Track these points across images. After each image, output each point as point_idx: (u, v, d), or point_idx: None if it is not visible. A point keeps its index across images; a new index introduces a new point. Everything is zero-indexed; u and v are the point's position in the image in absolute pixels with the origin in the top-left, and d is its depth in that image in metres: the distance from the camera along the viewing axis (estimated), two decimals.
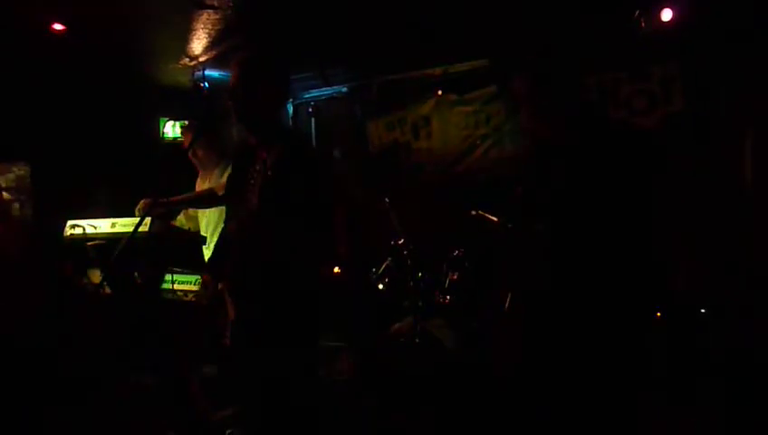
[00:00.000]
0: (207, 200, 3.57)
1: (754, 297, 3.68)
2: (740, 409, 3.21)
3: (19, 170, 5.32)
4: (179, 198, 3.44)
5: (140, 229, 3.03)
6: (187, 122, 4.80)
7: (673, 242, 3.97)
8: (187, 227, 3.87)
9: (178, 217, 3.93)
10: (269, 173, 2.49)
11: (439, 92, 5.26)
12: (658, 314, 3.66)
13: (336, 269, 4.85)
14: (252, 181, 2.57)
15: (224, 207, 2.92)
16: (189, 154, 3.87)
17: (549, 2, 4.08)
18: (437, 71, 5.20)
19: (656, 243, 3.84)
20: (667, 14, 3.99)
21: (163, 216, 3.24)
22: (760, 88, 3.85)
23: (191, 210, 3.94)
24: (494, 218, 3.90)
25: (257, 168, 2.58)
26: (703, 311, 3.64)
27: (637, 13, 4.09)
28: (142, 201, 3.27)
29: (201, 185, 3.90)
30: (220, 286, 2.90)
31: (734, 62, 3.93)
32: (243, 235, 2.61)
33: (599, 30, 4.28)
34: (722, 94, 3.99)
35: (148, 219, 3.05)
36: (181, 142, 5.38)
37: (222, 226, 2.91)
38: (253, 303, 2.59)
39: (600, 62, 4.43)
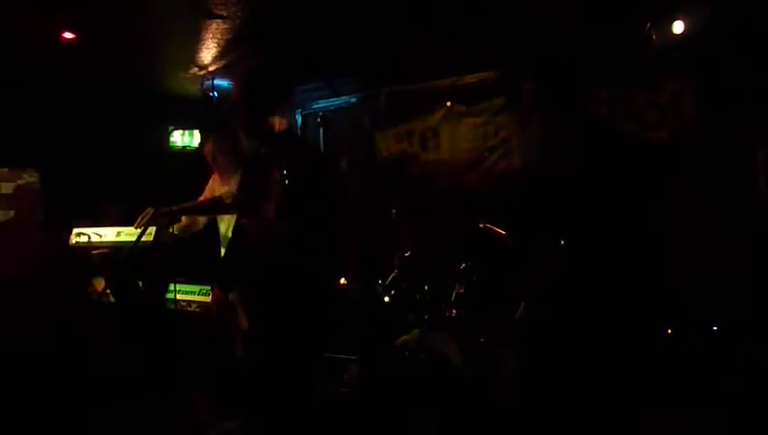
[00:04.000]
0: (214, 208, 3.54)
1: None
2: (752, 426, 3.15)
3: (29, 177, 5.34)
4: (184, 205, 3.42)
5: (145, 238, 3.04)
6: (199, 130, 4.82)
7: (685, 256, 3.92)
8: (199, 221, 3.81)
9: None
10: (286, 183, 2.49)
11: (448, 104, 5.24)
12: (669, 330, 3.61)
13: (342, 280, 4.82)
14: (267, 191, 2.55)
15: None
16: (209, 160, 3.85)
17: (559, 15, 4.05)
18: (446, 82, 5.17)
19: (668, 256, 3.82)
20: (678, 27, 3.95)
21: (167, 225, 3.22)
22: None
23: None
24: (502, 232, 3.87)
25: (272, 177, 2.57)
26: (715, 328, 3.57)
27: (648, 26, 4.05)
28: (148, 211, 3.25)
29: (219, 190, 3.88)
30: (231, 297, 2.88)
31: (745, 74, 3.88)
32: (259, 244, 2.59)
33: (610, 43, 4.25)
34: (733, 107, 3.94)
35: (152, 228, 3.05)
36: (190, 151, 5.39)
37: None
38: (272, 311, 2.57)
39: (611, 75, 4.40)
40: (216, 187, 3.90)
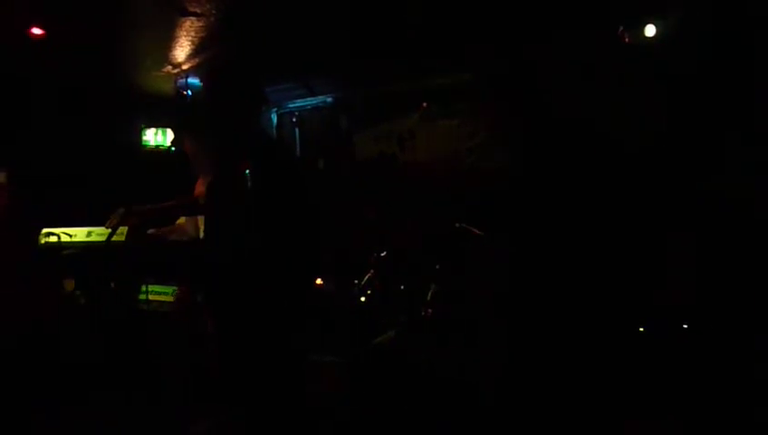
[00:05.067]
0: (188, 209, 3.49)
1: (737, 311, 3.69)
2: (720, 422, 3.21)
3: None
4: (157, 206, 3.36)
5: (116, 238, 2.98)
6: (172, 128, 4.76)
7: (655, 256, 3.99)
8: (190, 232, 3.77)
9: (179, 222, 3.82)
10: (247, 184, 2.46)
11: (424, 105, 5.25)
12: (641, 328, 3.66)
13: (318, 281, 4.80)
14: (230, 191, 2.53)
15: None
16: (191, 158, 3.80)
17: (532, 16, 4.09)
18: (423, 83, 5.19)
19: (634, 257, 3.87)
20: (650, 30, 4.02)
21: (139, 225, 3.17)
22: (741, 102, 3.88)
23: None
24: (478, 231, 3.89)
25: (234, 177, 2.55)
26: (685, 326, 3.63)
27: (621, 28, 4.12)
28: (120, 210, 3.19)
29: (201, 188, 3.82)
30: (198, 298, 2.85)
31: (715, 76, 3.97)
32: (220, 244, 2.57)
33: (583, 44, 4.30)
34: (704, 107, 4.02)
35: (124, 228, 3.00)
36: (163, 149, 5.33)
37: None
38: (229, 314, 2.55)
39: (584, 76, 4.45)
40: (199, 186, 3.85)
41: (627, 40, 4.12)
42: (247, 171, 2.50)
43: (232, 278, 2.51)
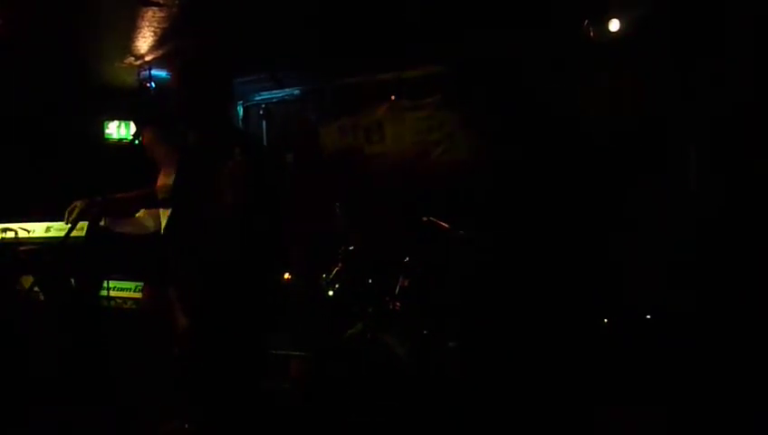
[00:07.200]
0: (144, 202, 3.41)
1: (698, 302, 3.77)
2: (683, 412, 3.28)
3: None
4: (112, 198, 3.28)
5: (75, 234, 2.91)
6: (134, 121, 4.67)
7: (619, 248, 4.05)
8: (149, 225, 3.69)
9: (138, 215, 3.74)
10: (241, 178, 2.40)
11: (392, 98, 5.25)
12: (605, 320, 3.73)
13: (286, 275, 4.77)
14: (216, 185, 2.46)
15: None
16: (149, 152, 3.72)
17: (498, 12, 4.11)
18: (390, 76, 5.18)
19: (600, 249, 3.92)
20: (614, 25, 4.07)
21: (98, 219, 3.09)
22: (703, 97, 3.96)
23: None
24: (445, 225, 3.90)
25: (221, 171, 2.48)
26: (648, 317, 3.70)
27: (585, 22, 4.16)
28: (75, 204, 3.09)
29: (165, 181, 3.74)
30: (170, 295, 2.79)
31: (679, 71, 4.04)
32: (200, 240, 2.51)
33: (549, 39, 4.34)
34: (668, 103, 4.09)
35: (83, 223, 2.93)
36: (126, 143, 5.23)
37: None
38: (214, 308, 2.50)
39: (552, 71, 4.49)
40: (161, 179, 3.77)
41: (592, 34, 4.17)
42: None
43: (209, 274, 2.47)
